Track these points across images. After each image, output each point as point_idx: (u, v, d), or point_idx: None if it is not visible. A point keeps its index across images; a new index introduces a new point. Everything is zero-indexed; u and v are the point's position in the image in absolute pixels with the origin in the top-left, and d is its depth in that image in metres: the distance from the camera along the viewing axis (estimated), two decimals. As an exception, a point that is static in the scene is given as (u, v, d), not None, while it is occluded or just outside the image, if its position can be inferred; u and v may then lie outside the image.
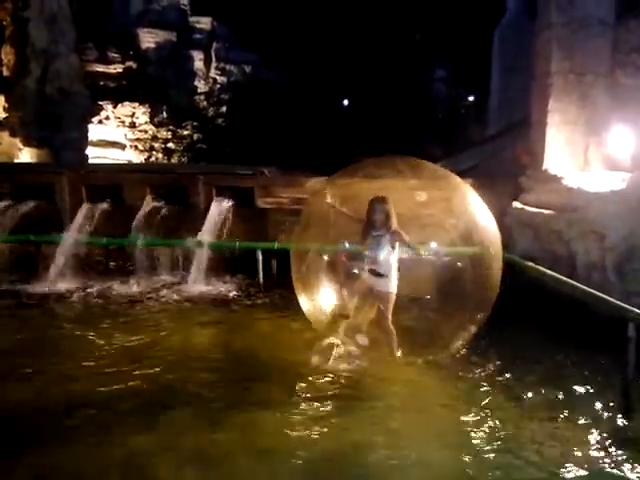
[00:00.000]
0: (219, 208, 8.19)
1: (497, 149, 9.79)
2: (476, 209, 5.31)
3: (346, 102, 23.21)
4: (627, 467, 3.53)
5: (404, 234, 5.04)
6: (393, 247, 5.10)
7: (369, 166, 5.71)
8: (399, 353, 5.19)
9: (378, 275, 5.11)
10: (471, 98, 22.12)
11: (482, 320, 5.01)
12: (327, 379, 4.75)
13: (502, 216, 7.61)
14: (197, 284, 7.76)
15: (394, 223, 5.09)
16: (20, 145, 14.14)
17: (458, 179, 5.48)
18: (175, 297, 7.29)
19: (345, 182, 5.77)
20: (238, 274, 8.12)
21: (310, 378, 4.74)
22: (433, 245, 5.76)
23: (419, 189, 6.04)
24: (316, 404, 4.32)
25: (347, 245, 5.97)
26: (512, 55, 11.94)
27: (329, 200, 5.49)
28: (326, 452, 3.66)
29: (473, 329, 5.08)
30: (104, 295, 7.34)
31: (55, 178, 8.64)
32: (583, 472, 3.47)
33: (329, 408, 4.26)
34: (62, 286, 7.62)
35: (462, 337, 5.14)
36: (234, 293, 7.52)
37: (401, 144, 17.76)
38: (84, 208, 8.32)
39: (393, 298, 5.18)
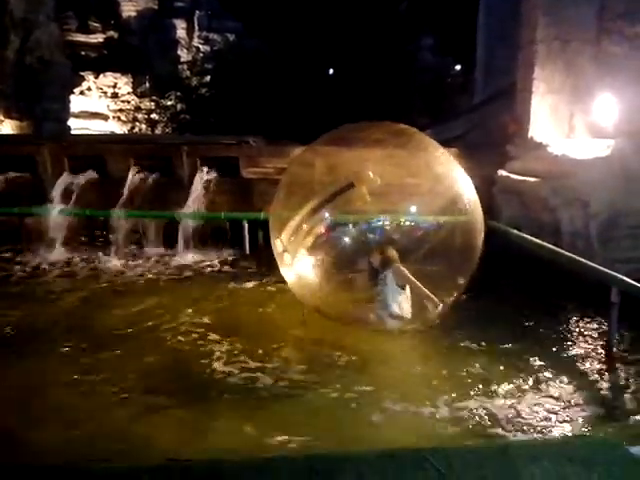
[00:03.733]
0: (204, 178, 8.14)
1: (483, 118, 9.75)
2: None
3: (332, 71, 22.96)
4: (608, 431, 3.59)
5: (404, 270, 4.95)
6: (400, 285, 4.96)
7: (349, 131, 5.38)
8: None
9: (393, 317, 4.95)
10: (458, 67, 21.94)
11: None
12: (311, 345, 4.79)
13: (488, 184, 7.66)
14: (183, 255, 7.74)
15: (392, 260, 5.02)
16: (1, 117, 13.87)
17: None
18: (161, 268, 7.28)
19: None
20: (224, 245, 8.08)
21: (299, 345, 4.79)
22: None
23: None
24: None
25: (327, 216, 5.84)
26: (498, 24, 11.81)
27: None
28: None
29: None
30: (89, 267, 7.31)
31: (36, 149, 8.49)
32: (564, 433, 3.54)
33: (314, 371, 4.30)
34: (48, 258, 7.57)
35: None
36: (220, 264, 7.51)
37: (388, 112, 17.62)
38: (66, 179, 8.21)
39: None
